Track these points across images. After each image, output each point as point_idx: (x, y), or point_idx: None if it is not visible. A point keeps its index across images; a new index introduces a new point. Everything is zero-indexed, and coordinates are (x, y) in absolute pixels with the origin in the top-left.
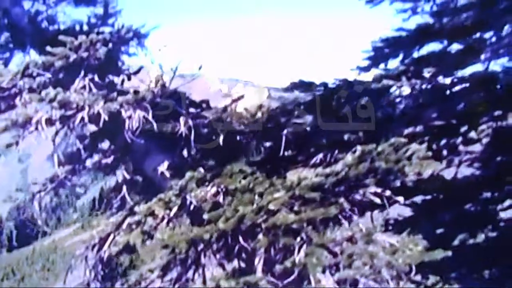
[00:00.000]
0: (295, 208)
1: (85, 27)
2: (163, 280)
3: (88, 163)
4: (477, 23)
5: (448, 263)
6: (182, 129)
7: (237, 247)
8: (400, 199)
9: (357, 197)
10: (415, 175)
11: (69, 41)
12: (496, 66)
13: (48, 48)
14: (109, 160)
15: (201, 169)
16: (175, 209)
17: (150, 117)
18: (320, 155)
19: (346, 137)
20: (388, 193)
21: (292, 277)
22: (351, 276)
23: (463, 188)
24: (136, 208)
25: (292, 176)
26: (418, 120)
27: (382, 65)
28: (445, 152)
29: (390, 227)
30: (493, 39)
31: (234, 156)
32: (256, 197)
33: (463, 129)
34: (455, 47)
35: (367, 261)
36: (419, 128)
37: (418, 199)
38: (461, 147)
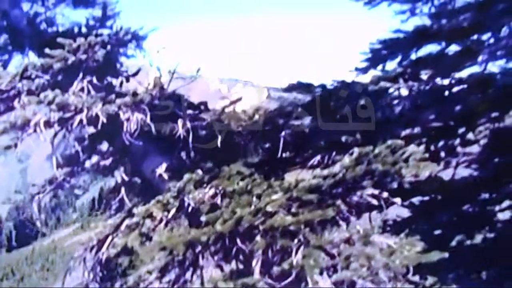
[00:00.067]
0: (293, 210)
1: (84, 29)
2: (161, 281)
3: (87, 165)
4: (474, 25)
5: (445, 264)
6: (180, 131)
7: (234, 249)
8: (398, 200)
9: (355, 199)
10: (413, 177)
11: (67, 44)
12: (494, 67)
13: (47, 50)
14: (107, 162)
15: (199, 171)
16: (173, 211)
17: (148, 120)
18: (318, 157)
19: (343, 138)
20: (385, 194)
21: (290, 279)
22: (348, 278)
23: (461, 189)
24: (134, 210)
25: (290, 177)
26: (416, 121)
27: (380, 67)
28: (443, 154)
29: (388, 228)
30: (491, 40)
31: (232, 158)
32: (254, 199)
33: (461, 130)
34: (453, 48)
35: (364, 262)
36: (417, 130)
37: (416, 200)
38: (459, 149)
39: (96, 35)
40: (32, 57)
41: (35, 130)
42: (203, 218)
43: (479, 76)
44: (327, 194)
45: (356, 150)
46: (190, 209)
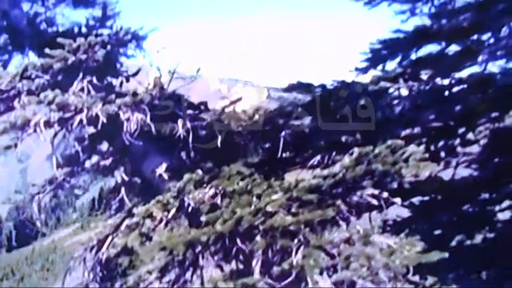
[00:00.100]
0: (293, 210)
1: (84, 29)
2: (161, 281)
3: (87, 165)
4: (474, 25)
5: (445, 264)
6: (180, 131)
7: (234, 249)
8: (398, 200)
9: (355, 199)
10: (412, 177)
11: (67, 44)
12: (494, 67)
13: (47, 50)
14: (107, 162)
15: (199, 171)
16: (173, 211)
17: (148, 120)
18: (318, 157)
19: (344, 138)
20: (385, 194)
21: (290, 279)
22: (348, 278)
23: (461, 189)
24: (134, 210)
25: (290, 177)
26: (416, 121)
27: (380, 67)
28: (443, 154)
29: (388, 228)
30: (491, 40)
31: (232, 158)
32: (254, 199)
33: (461, 130)
34: (453, 48)
35: (364, 262)
36: (417, 130)
37: (416, 200)
38: (459, 149)
39: (96, 35)
40: (32, 57)
41: (35, 130)
42: (203, 218)
43: (479, 76)
44: (327, 194)
45: (356, 150)
46: (190, 209)
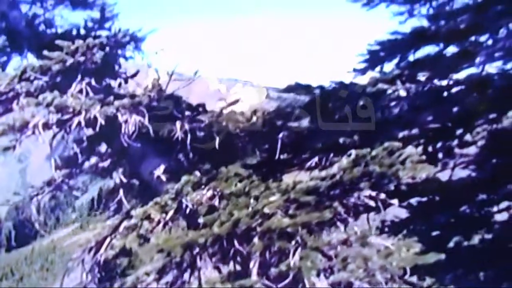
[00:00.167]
0: (290, 211)
1: (82, 31)
2: (159, 283)
3: (85, 166)
4: (472, 26)
5: (443, 265)
6: (178, 133)
7: (232, 251)
8: (395, 202)
9: (352, 200)
10: (410, 179)
11: (66, 46)
12: (491, 69)
13: (45, 52)
14: (105, 163)
15: (197, 173)
16: (171, 213)
17: (146, 122)
18: (316, 158)
19: (341, 140)
20: (382, 196)
21: (287, 281)
22: (345, 279)
23: (458, 190)
24: (133, 212)
25: (288, 179)
26: (414, 123)
27: (378, 68)
28: (440, 155)
29: (386, 229)
30: (489, 42)
31: (230, 160)
32: (252, 200)
33: (459, 131)
34: (451, 50)
35: (361, 264)
36: (415, 131)
37: (413, 201)
38: (456, 150)
39: (95, 37)
40: (30, 59)
41: (33, 132)
42: (201, 220)
43: (477, 77)
44: (325, 195)
45: (353, 152)
46: (188, 211)
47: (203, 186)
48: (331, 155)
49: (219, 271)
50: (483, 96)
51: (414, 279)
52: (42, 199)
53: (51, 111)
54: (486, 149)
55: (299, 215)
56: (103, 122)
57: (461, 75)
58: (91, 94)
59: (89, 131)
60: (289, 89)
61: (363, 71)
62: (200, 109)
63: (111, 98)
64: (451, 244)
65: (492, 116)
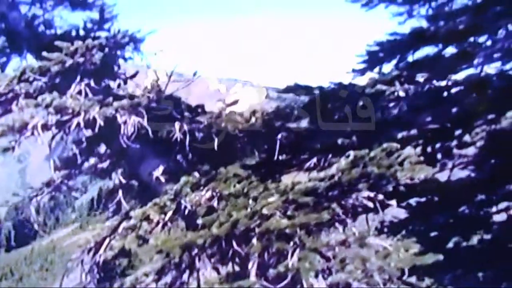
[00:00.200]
0: (289, 212)
1: (82, 32)
2: (158, 283)
3: (84, 167)
4: (471, 27)
5: (442, 265)
6: (177, 134)
7: (231, 252)
8: (393, 202)
9: (350, 201)
10: (408, 180)
11: (65, 47)
12: (490, 69)
13: (45, 54)
14: (105, 164)
15: (196, 174)
16: (170, 214)
17: (145, 123)
18: (314, 159)
19: (340, 141)
20: (381, 197)
21: (285, 281)
22: (343, 280)
23: (457, 191)
24: (132, 213)
25: (286, 180)
26: (412, 123)
27: (376, 69)
28: (439, 155)
29: (386, 229)
30: (488, 43)
31: (229, 160)
32: (250, 201)
33: (458, 132)
34: (450, 51)
35: (359, 265)
36: (413, 132)
37: (412, 201)
38: (455, 150)
39: (94, 38)
40: (30, 60)
41: (32, 133)
42: (199, 221)
43: (476, 78)
44: (323, 196)
45: (352, 153)
46: (186, 211)
47: (202, 187)
48: (330, 156)
49: (218, 272)
50: (482, 97)
51: (413, 279)
52: (42, 200)
53: (50, 112)
54: (485, 150)
55: (297, 216)
56: (102, 123)
57: (460, 75)
58: (90, 95)
59: (88, 132)
60: (288, 90)
61: (362, 72)
62: (199, 110)
63: (110, 99)
64: (450, 245)
65: (491, 116)
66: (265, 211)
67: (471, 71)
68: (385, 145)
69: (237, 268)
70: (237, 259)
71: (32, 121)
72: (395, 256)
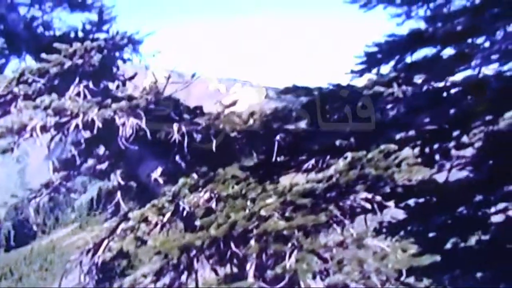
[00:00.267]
0: (287, 214)
1: (80, 34)
2: (156, 285)
3: (83, 168)
4: (469, 28)
5: (440, 266)
6: (175, 135)
7: (229, 253)
8: (391, 204)
9: (348, 202)
10: (406, 181)
11: (64, 49)
12: (488, 71)
13: (43, 55)
14: (103, 166)
15: (194, 175)
16: (168, 215)
17: (143, 125)
18: (312, 161)
19: (338, 142)
20: (378, 198)
21: (283, 283)
22: (340, 281)
23: (455, 192)
24: (130, 214)
25: (285, 181)
26: (411, 124)
27: (375, 70)
28: (437, 156)
29: (384, 230)
30: (486, 44)
31: (227, 162)
32: (248, 203)
33: (456, 133)
34: (448, 52)
35: (356, 267)
36: (411, 133)
37: (411, 202)
38: (453, 151)
39: (93, 40)
40: (29, 61)
41: (31, 135)
42: (197, 222)
43: (474, 79)
44: (321, 198)
45: (349, 155)
46: (185, 213)
47: (200, 189)
48: (328, 157)
49: (216, 273)
50: (480, 98)
51: (411, 280)
52: (41, 201)
53: (49, 114)
54: (483, 151)
55: (295, 217)
56: (100, 125)
57: (458, 77)
58: (89, 96)
59: (87, 134)
60: (287, 91)
61: (360, 73)
62: (198, 111)
63: (109, 100)
64: (448, 245)
65: (488, 118)
66: (263, 212)
67: (469, 72)
68: (382, 147)
69: (235, 269)
70: (235, 261)
71: (30, 122)
72: (393, 257)
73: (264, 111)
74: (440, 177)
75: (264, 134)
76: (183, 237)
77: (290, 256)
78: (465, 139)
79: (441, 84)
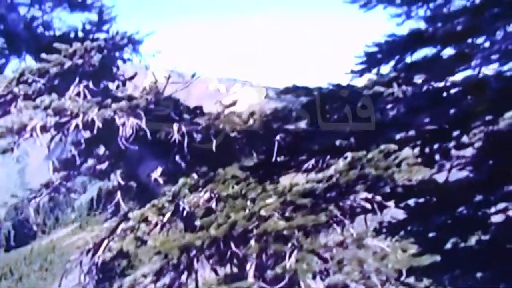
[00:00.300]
0: (287, 214)
1: (80, 34)
2: (156, 285)
3: (83, 168)
4: (469, 28)
5: (440, 266)
6: (175, 135)
7: (229, 253)
8: (391, 204)
9: (348, 202)
10: (406, 181)
11: (64, 49)
12: (488, 70)
13: (43, 55)
14: (103, 166)
15: (194, 175)
16: (168, 215)
17: (143, 125)
18: (312, 161)
19: (338, 142)
20: (378, 198)
21: (283, 283)
22: (341, 281)
23: (455, 192)
24: (130, 214)
25: (285, 181)
26: (411, 124)
27: (374, 70)
28: (437, 156)
29: (384, 230)
30: (486, 44)
31: (227, 162)
32: (248, 203)
33: (456, 133)
34: (448, 52)
35: (356, 267)
36: (412, 133)
37: (411, 202)
38: (453, 151)
39: (92, 40)
40: (29, 61)
41: (31, 135)
42: (197, 222)
43: (474, 79)
44: (321, 198)
45: (349, 155)
46: (185, 213)
47: (200, 189)
48: (328, 157)
49: (216, 273)
50: (479, 98)
51: (411, 280)
52: (41, 201)
53: (49, 114)
54: (482, 151)
55: (295, 217)
56: (100, 125)
57: (458, 77)
58: (89, 96)
59: (87, 134)
60: (287, 91)
61: (360, 73)
62: (198, 111)
63: (109, 100)
64: (448, 245)
65: (488, 118)
66: (263, 212)
67: (469, 72)
68: (382, 147)
69: (235, 270)
70: (235, 261)
71: (30, 122)
72: (393, 257)
73: (264, 111)
74: (440, 177)
75: (264, 134)
76: (183, 237)
77: (290, 256)
78: (465, 139)
79: (441, 84)
